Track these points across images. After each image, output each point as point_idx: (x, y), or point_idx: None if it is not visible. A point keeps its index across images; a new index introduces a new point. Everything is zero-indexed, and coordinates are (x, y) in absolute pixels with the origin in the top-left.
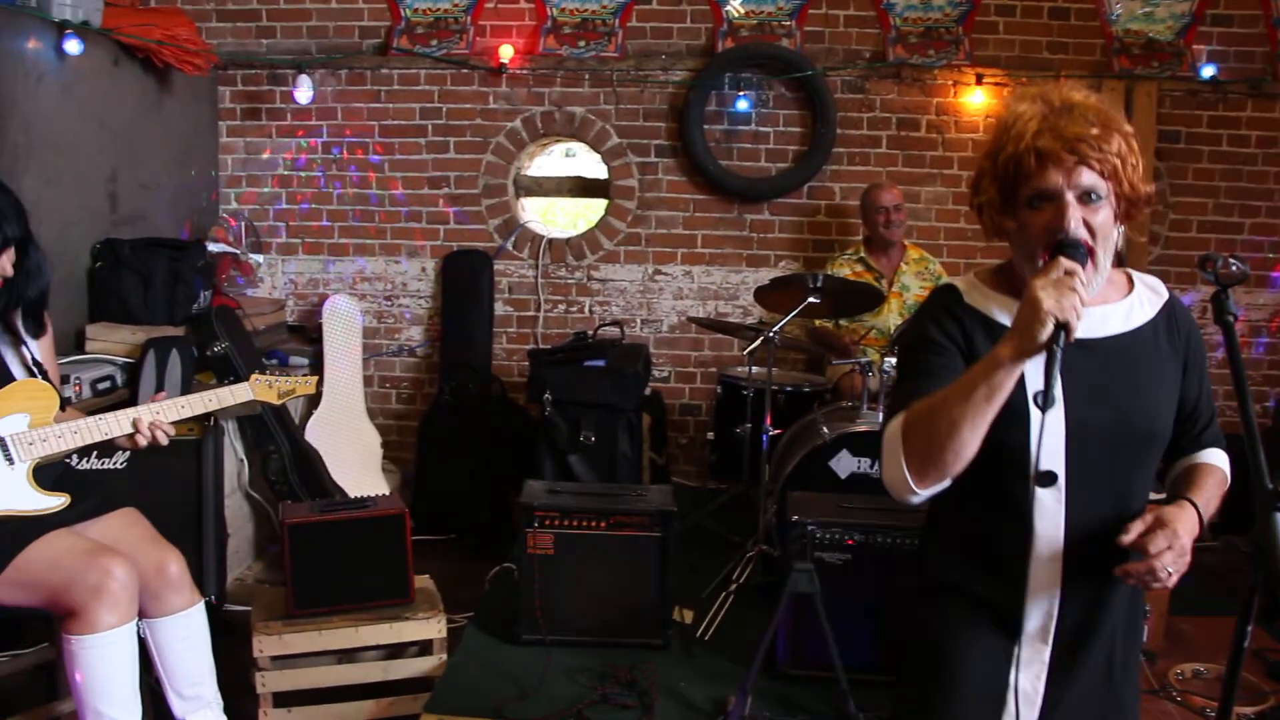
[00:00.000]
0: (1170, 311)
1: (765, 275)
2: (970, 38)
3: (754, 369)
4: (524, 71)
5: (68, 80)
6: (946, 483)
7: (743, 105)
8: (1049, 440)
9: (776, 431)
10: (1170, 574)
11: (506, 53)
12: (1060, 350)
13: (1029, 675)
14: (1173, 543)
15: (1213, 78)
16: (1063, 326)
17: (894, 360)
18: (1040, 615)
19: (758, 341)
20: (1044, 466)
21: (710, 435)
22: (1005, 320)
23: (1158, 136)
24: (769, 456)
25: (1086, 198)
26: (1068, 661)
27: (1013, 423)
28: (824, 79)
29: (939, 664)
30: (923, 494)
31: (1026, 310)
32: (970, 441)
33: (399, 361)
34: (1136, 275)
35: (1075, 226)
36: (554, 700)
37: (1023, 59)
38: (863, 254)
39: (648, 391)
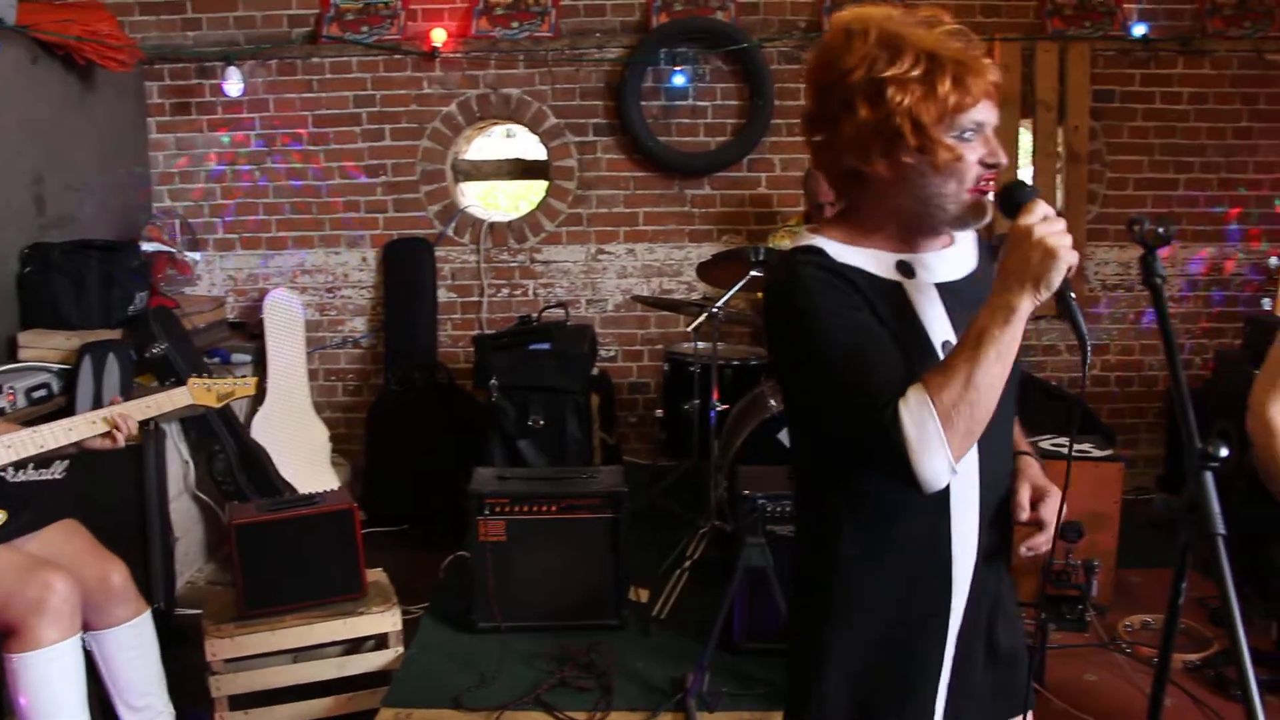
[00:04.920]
0: (985, 247)
1: (708, 250)
2: (904, 4)
3: (700, 345)
4: (457, 55)
5: None
6: None
7: (679, 80)
8: None
9: (724, 407)
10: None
11: (439, 36)
12: (1071, 292)
13: (954, 639)
14: (1056, 505)
15: (1144, 36)
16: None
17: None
18: (964, 580)
19: (702, 317)
20: None
21: (659, 413)
22: (881, 273)
23: (1092, 96)
24: (718, 432)
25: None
26: (975, 625)
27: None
28: (760, 51)
29: (860, 647)
30: (959, 472)
31: (1036, 255)
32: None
33: (343, 353)
34: None
35: (1004, 159)
36: (512, 687)
37: (956, 23)
38: (805, 226)
39: (595, 371)
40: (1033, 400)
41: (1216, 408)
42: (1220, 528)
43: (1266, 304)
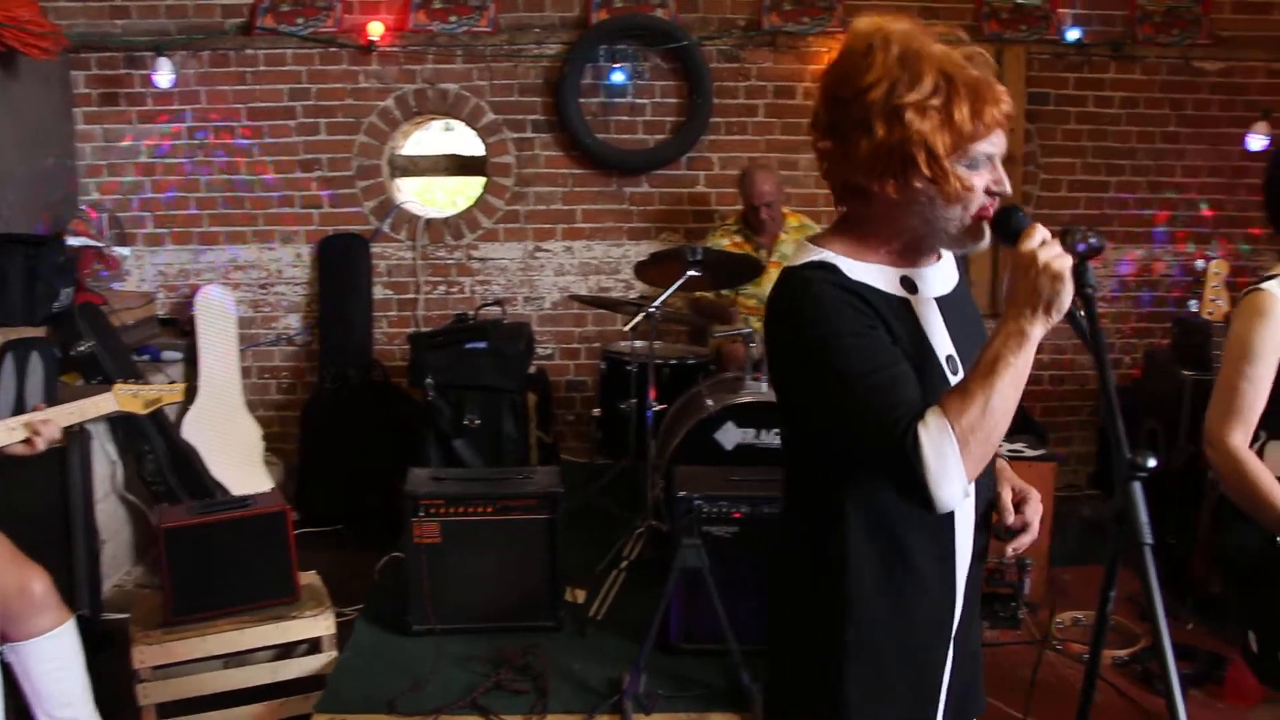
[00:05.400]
0: (960, 262)
1: (646, 248)
2: (844, 4)
3: (637, 343)
4: (394, 49)
5: None
6: None
7: (619, 77)
8: None
9: (661, 407)
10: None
11: (376, 30)
12: (1080, 312)
13: (951, 641)
14: (1038, 509)
15: (1078, 40)
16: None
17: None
18: (960, 583)
19: (639, 317)
20: None
21: (596, 412)
22: (889, 289)
23: (1027, 99)
24: (655, 431)
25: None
26: (967, 626)
27: (932, 390)
28: (699, 49)
29: (866, 656)
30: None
31: (1045, 280)
32: None
33: (277, 351)
34: None
35: (1009, 188)
36: (448, 690)
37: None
38: (742, 224)
39: (532, 370)
40: None
41: (1145, 407)
42: (1148, 538)
43: (1193, 305)
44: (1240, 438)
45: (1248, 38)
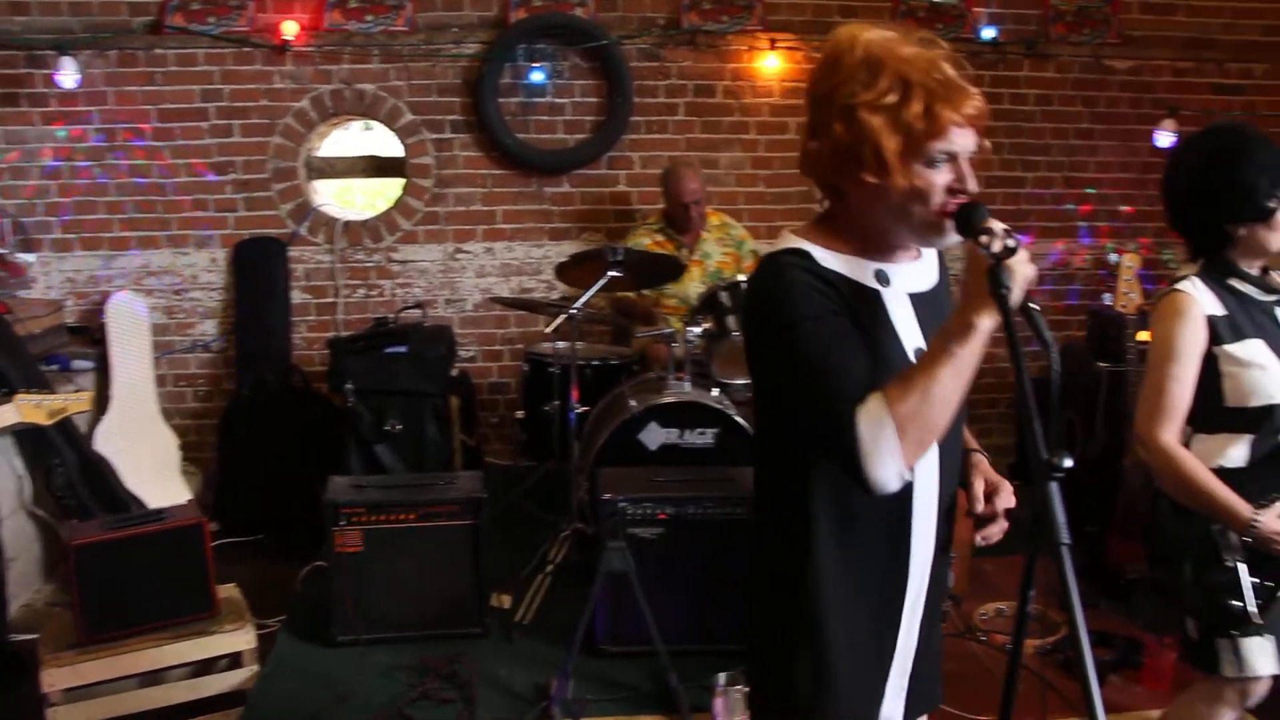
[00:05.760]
0: (942, 262)
1: (568, 248)
2: (763, 2)
3: (559, 345)
4: (309, 49)
5: None
6: None
7: (538, 77)
8: None
9: (584, 408)
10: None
11: (290, 29)
12: (1034, 305)
13: (906, 641)
14: (1009, 500)
15: (993, 39)
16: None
17: (701, 330)
18: (919, 573)
19: (560, 318)
20: None
21: (519, 414)
22: (862, 279)
23: None
24: (579, 433)
25: (968, 157)
26: (930, 615)
27: None
28: (619, 47)
29: (822, 643)
30: (909, 479)
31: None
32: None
33: (193, 358)
34: None
35: (974, 186)
36: (373, 702)
37: (814, 23)
38: (664, 223)
39: (454, 373)
40: None
41: (1062, 398)
42: (1066, 538)
43: (1108, 299)
44: (1171, 435)
45: (1155, 37)
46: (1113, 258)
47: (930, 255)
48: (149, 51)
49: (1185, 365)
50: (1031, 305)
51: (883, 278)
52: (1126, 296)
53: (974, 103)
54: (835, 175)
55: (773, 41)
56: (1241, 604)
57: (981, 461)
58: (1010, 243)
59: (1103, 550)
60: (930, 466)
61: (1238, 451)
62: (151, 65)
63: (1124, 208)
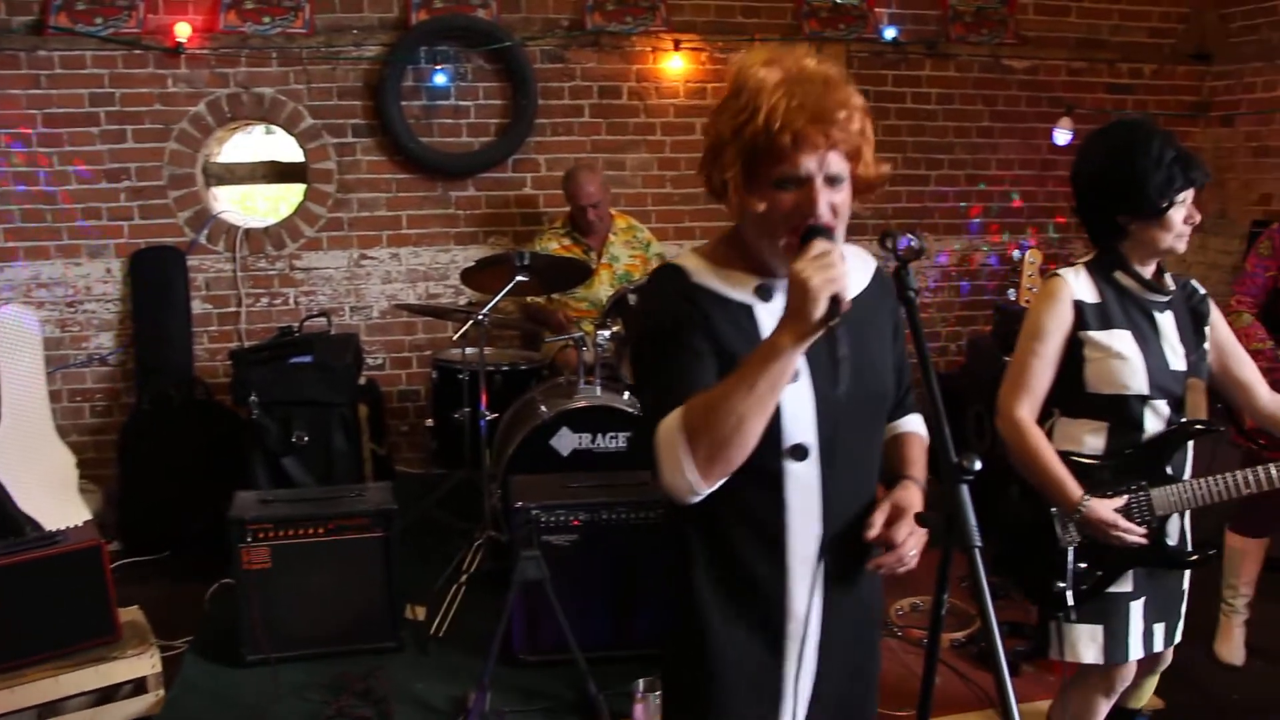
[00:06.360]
0: (879, 277)
1: (475, 253)
2: (666, 3)
3: (468, 351)
4: (204, 51)
5: None
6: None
7: (441, 80)
8: (800, 412)
9: (494, 415)
10: (914, 557)
11: (183, 31)
12: (839, 324)
13: (794, 660)
14: (914, 529)
15: (895, 39)
16: (836, 300)
17: (611, 333)
18: (804, 596)
19: (468, 324)
20: (796, 440)
21: (429, 422)
22: (735, 295)
23: None
24: (490, 440)
25: (831, 180)
26: (832, 640)
27: None
28: (523, 49)
29: (707, 654)
30: (707, 491)
31: (797, 293)
32: (756, 433)
33: (90, 372)
34: (844, 245)
35: (825, 213)
36: None
37: (717, 24)
38: (570, 227)
39: (362, 381)
40: None
41: (970, 392)
42: (977, 540)
43: (1012, 294)
44: (1027, 410)
45: (1050, 38)
46: (1016, 253)
47: (858, 267)
48: (31, 53)
49: (1046, 343)
50: (835, 321)
51: (764, 293)
52: (1029, 291)
53: (829, 128)
54: (710, 190)
55: (677, 43)
56: (1061, 586)
57: (904, 488)
58: (915, 243)
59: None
60: (808, 492)
61: (1095, 440)
62: (35, 68)
63: (1026, 204)
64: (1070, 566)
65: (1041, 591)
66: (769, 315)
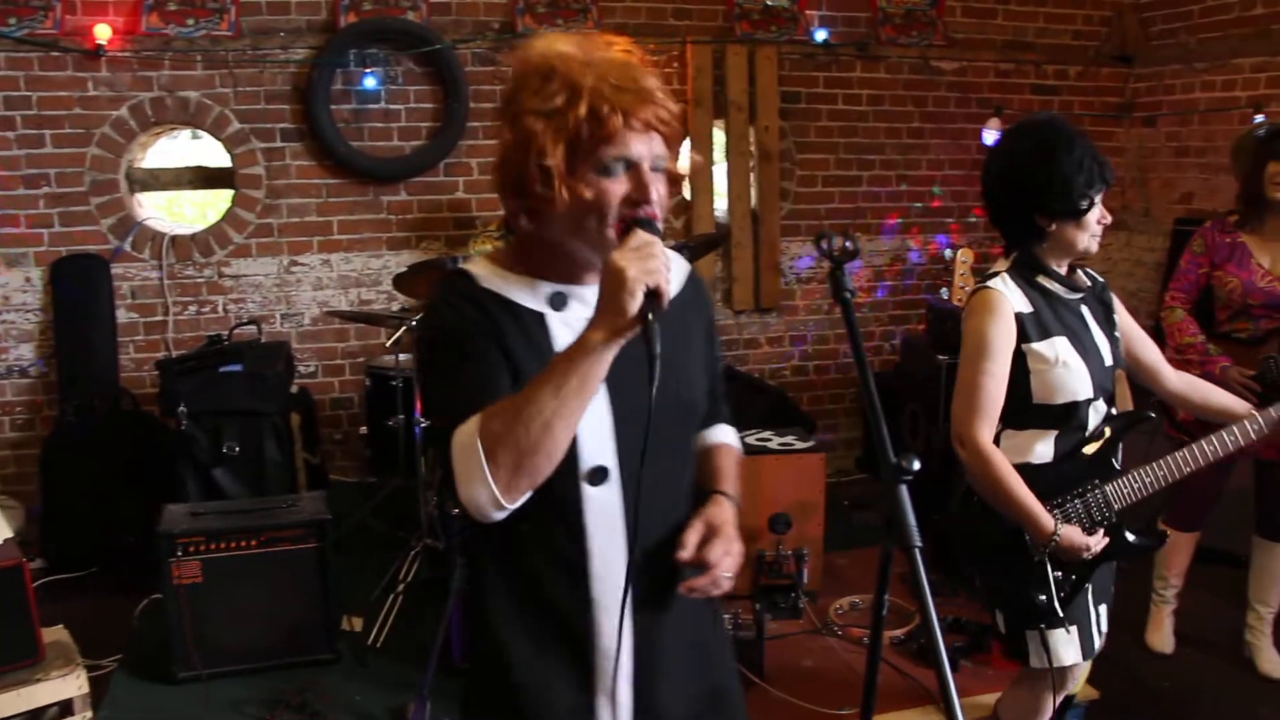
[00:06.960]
0: (693, 282)
1: (408, 258)
2: (598, 6)
3: (401, 357)
4: (126, 54)
5: None
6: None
7: (371, 83)
8: (597, 431)
9: (428, 422)
10: (729, 578)
11: (103, 33)
12: (656, 321)
13: (607, 696)
14: (729, 548)
15: (825, 41)
16: (654, 294)
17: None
18: (612, 629)
19: (400, 331)
20: (594, 462)
21: (363, 430)
22: (527, 302)
23: (780, 98)
24: (425, 447)
25: (656, 168)
26: (655, 673)
27: None
28: (454, 52)
29: (514, 695)
30: (511, 507)
31: (611, 285)
32: (565, 440)
33: (9, 384)
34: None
35: (658, 199)
36: None
37: (650, 26)
38: (505, 231)
39: (294, 389)
40: (735, 394)
41: (906, 390)
42: (917, 541)
43: (945, 293)
44: (987, 433)
45: (978, 40)
46: (947, 253)
47: (673, 268)
48: None
49: (998, 361)
50: (652, 317)
51: (558, 301)
52: (962, 291)
53: (657, 109)
54: (511, 190)
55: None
56: (1046, 598)
57: (715, 504)
58: (848, 244)
59: (950, 538)
60: (611, 518)
61: (1044, 447)
62: None
63: (956, 203)
64: (1050, 577)
65: (1017, 604)
66: (563, 325)
